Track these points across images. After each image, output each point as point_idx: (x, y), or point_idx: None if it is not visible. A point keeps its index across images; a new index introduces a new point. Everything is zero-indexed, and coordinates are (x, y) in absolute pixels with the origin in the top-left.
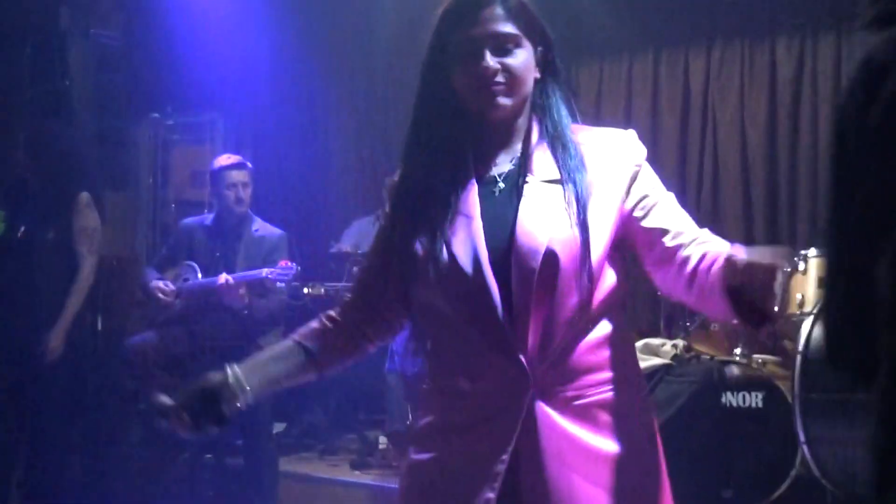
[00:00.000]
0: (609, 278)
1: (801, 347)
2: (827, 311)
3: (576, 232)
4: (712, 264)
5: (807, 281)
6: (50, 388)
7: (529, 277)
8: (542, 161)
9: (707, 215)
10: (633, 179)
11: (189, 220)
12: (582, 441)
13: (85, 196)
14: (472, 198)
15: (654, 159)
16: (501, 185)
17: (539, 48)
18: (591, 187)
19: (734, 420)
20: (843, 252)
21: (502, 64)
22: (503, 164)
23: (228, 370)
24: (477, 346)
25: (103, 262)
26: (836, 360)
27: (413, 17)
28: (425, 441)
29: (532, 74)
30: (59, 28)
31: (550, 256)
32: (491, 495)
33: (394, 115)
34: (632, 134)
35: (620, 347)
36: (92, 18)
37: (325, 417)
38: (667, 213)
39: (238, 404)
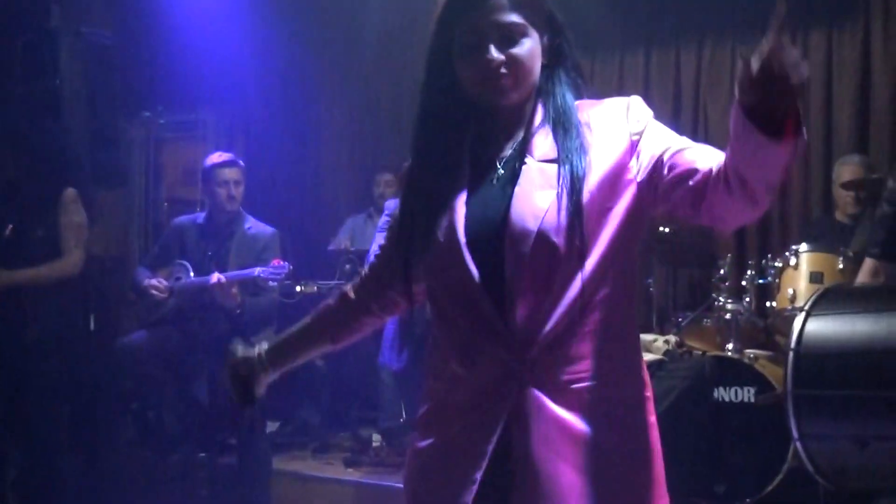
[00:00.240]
0: (613, 262)
1: (793, 343)
2: None
3: (569, 213)
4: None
5: (799, 276)
6: (41, 388)
7: (521, 261)
8: (542, 143)
9: None
10: (636, 146)
11: (181, 219)
12: (573, 429)
13: (71, 192)
14: (462, 184)
15: None
16: (501, 170)
17: (545, 36)
18: (591, 165)
19: (726, 415)
20: None
21: (507, 55)
22: (505, 149)
23: (257, 352)
24: (468, 332)
25: (95, 261)
26: None
27: (404, 14)
28: (424, 427)
29: (538, 62)
30: (50, 26)
31: (542, 239)
32: (477, 475)
33: (385, 111)
34: (633, 100)
35: (621, 339)
36: (83, 17)
37: (319, 415)
38: (685, 158)
39: (264, 385)
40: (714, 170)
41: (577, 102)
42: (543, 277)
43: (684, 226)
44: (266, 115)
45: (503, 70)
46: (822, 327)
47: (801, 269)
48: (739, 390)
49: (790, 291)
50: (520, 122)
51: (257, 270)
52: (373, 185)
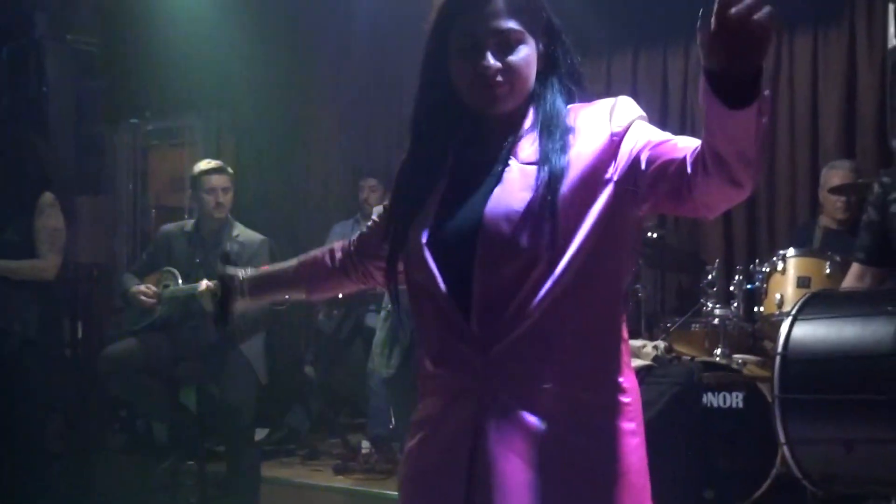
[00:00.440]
0: (590, 265)
1: (780, 348)
2: None
3: (545, 214)
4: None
5: (786, 281)
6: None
7: (491, 264)
8: (528, 146)
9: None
10: (617, 146)
11: (169, 226)
12: (536, 431)
13: (48, 197)
14: (441, 185)
15: None
16: (485, 173)
17: (542, 42)
18: (570, 165)
19: (715, 420)
20: None
21: (504, 63)
22: (493, 151)
23: (239, 276)
24: (437, 331)
25: (82, 269)
26: None
27: (393, 20)
28: (414, 428)
29: (534, 70)
30: (36, 34)
31: (514, 241)
32: (449, 481)
33: (374, 117)
34: (620, 100)
35: (596, 343)
36: (69, 24)
37: (308, 422)
38: (667, 148)
39: (236, 308)
40: (691, 155)
41: (569, 106)
42: (513, 280)
43: (672, 230)
44: (254, 121)
45: (499, 78)
46: (808, 332)
47: (788, 275)
48: (728, 396)
49: (778, 296)
50: (510, 126)
51: None
52: (360, 191)
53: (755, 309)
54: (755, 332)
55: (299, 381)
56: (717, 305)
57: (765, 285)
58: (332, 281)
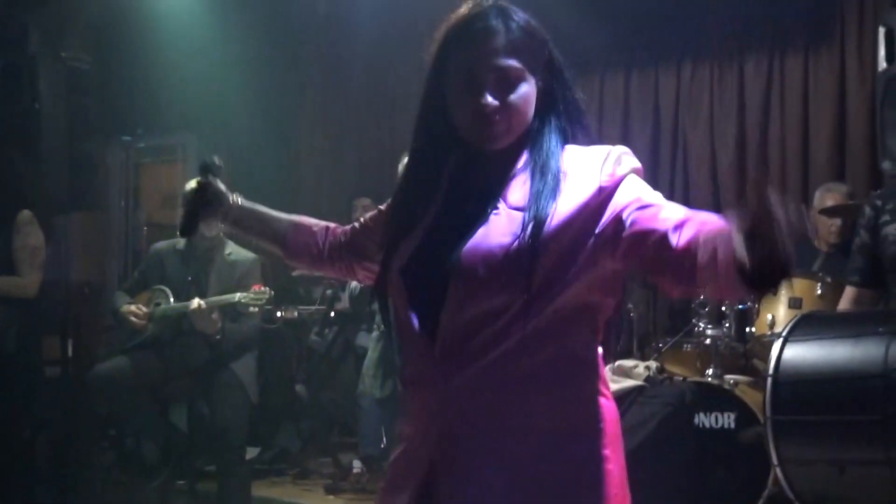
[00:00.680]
0: (566, 310)
1: (771, 370)
2: None
3: (524, 263)
4: (711, 251)
5: (778, 301)
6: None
7: (460, 304)
8: (519, 189)
9: None
10: (604, 199)
11: (161, 244)
12: (503, 464)
13: (26, 214)
14: (430, 212)
15: None
16: (472, 206)
17: (541, 80)
18: (556, 213)
19: (707, 441)
20: None
21: (502, 100)
22: (485, 186)
23: (231, 199)
24: (409, 352)
25: (73, 287)
26: None
27: (388, 40)
28: (399, 441)
29: (532, 108)
30: (29, 51)
31: (489, 286)
32: (405, 498)
33: (368, 134)
34: (614, 151)
35: (574, 375)
36: (62, 41)
37: (299, 442)
38: (650, 215)
39: (215, 219)
40: (673, 235)
41: (565, 146)
42: (480, 319)
43: None
44: (247, 139)
45: (497, 116)
46: (799, 353)
47: (780, 295)
48: (720, 416)
49: (769, 317)
50: (504, 162)
51: (238, 296)
52: (353, 210)
53: (747, 329)
54: (747, 352)
55: (290, 400)
56: (709, 326)
57: (757, 306)
58: (315, 260)
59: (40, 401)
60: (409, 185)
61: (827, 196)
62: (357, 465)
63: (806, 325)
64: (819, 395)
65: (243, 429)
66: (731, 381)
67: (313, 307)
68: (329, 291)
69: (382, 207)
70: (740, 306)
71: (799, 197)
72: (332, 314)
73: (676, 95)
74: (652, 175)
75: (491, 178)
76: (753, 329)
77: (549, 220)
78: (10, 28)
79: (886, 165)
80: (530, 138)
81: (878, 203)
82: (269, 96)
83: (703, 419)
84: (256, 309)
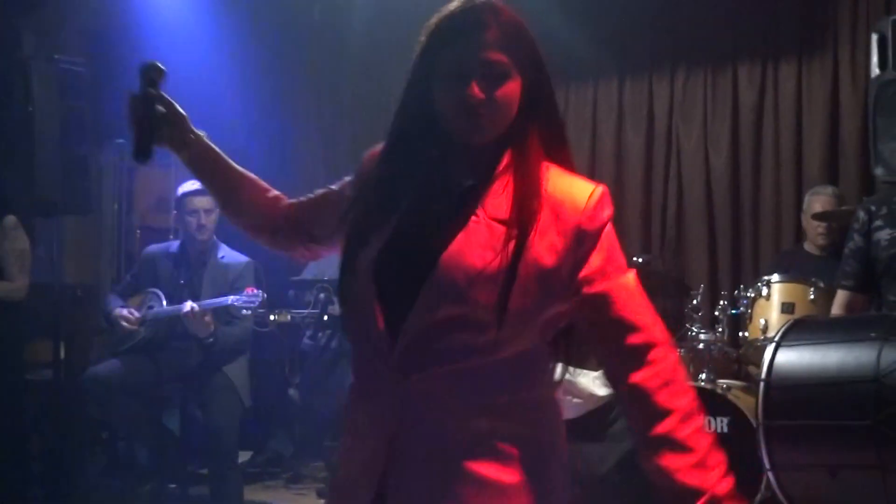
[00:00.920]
0: (528, 327)
1: (763, 374)
2: None
3: (501, 281)
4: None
5: (770, 306)
6: None
7: (431, 306)
8: (499, 197)
9: (671, 241)
10: (578, 246)
11: (154, 247)
12: (454, 466)
13: (12, 219)
14: (400, 206)
15: (618, 184)
16: (448, 207)
17: (527, 79)
18: (536, 240)
19: None
20: None
21: (488, 94)
22: (461, 186)
23: (195, 133)
24: (363, 347)
25: (66, 290)
26: None
27: (385, 37)
28: (344, 434)
29: (516, 105)
30: (23, 54)
31: (463, 299)
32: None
33: (363, 136)
34: (597, 193)
35: (527, 381)
36: (56, 44)
37: (291, 446)
38: (625, 302)
39: (173, 145)
40: (626, 362)
41: (544, 164)
42: (447, 327)
43: (658, 255)
44: (242, 141)
45: (482, 109)
46: (792, 358)
47: (772, 300)
48: (712, 420)
49: (762, 321)
50: (482, 162)
51: (231, 299)
52: None
53: (740, 334)
54: (740, 357)
55: (283, 403)
56: (702, 330)
57: (749, 310)
58: (261, 226)
59: (32, 404)
60: (382, 176)
61: (815, 199)
62: None
63: (798, 330)
64: (811, 399)
65: (236, 432)
66: (724, 386)
67: (306, 311)
68: (322, 295)
69: (335, 188)
70: (733, 311)
71: (792, 203)
72: (326, 318)
73: (670, 102)
74: (646, 181)
75: (469, 177)
76: (746, 334)
77: (529, 243)
78: (3, 30)
79: (879, 171)
80: (511, 138)
81: (872, 208)
82: (264, 100)
83: None
84: (249, 312)
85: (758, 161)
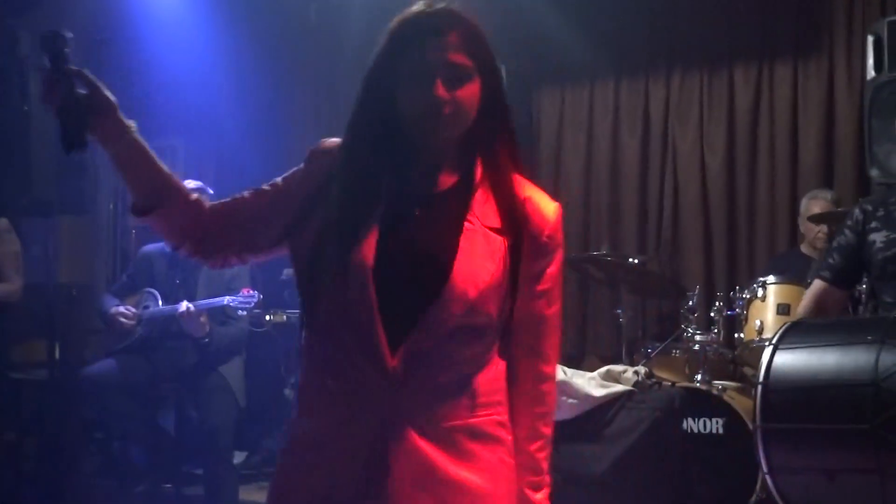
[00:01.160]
0: (507, 330)
1: (761, 377)
2: None
3: (504, 292)
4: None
5: (766, 307)
6: None
7: (444, 318)
8: (485, 206)
9: (667, 243)
10: (544, 263)
11: (149, 247)
12: (438, 464)
13: (4, 222)
14: (377, 212)
15: (614, 185)
16: (425, 208)
17: (485, 85)
18: (524, 247)
19: (695, 446)
20: None
21: (452, 95)
22: (428, 186)
23: (125, 123)
24: (347, 351)
25: (61, 289)
26: None
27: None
28: (295, 445)
29: (476, 107)
30: (19, 53)
31: (474, 308)
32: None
33: None
34: (559, 210)
35: (498, 385)
36: None
37: None
38: (545, 332)
39: (99, 138)
40: (515, 356)
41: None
42: (454, 336)
43: (653, 257)
44: (238, 142)
45: (447, 109)
46: (790, 360)
47: (768, 301)
48: (708, 422)
49: (758, 323)
50: (446, 165)
51: (226, 299)
52: None
53: (735, 335)
54: (735, 358)
55: (279, 404)
56: (698, 331)
57: (745, 312)
58: (183, 234)
59: (27, 404)
60: (348, 175)
61: (813, 203)
62: None
63: (796, 333)
64: (809, 402)
65: (231, 432)
66: (720, 387)
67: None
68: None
69: (267, 187)
70: (728, 312)
71: (788, 204)
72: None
73: (666, 103)
74: (641, 182)
75: (438, 181)
76: (742, 335)
77: (518, 251)
78: None
79: (874, 173)
80: (474, 143)
81: (869, 208)
82: (260, 100)
83: (692, 424)
84: (245, 312)
85: (753, 162)
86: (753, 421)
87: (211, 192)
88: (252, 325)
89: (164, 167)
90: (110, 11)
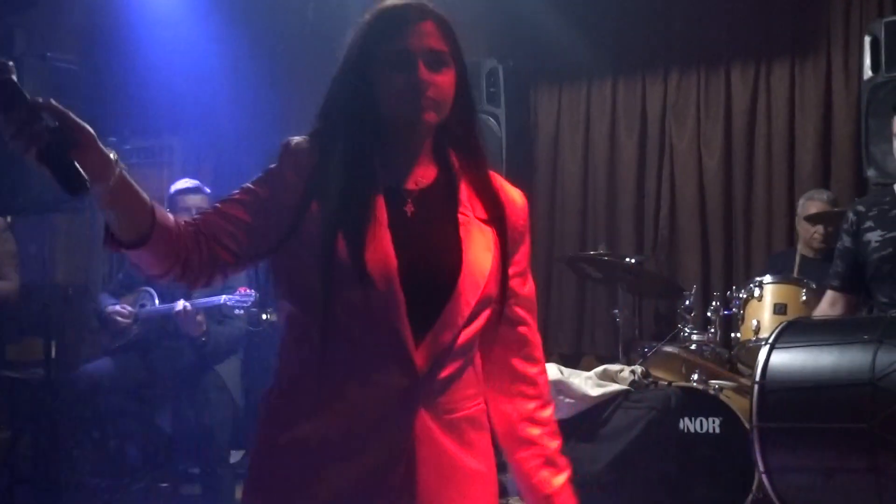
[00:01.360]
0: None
1: (757, 376)
2: None
3: (502, 279)
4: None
5: (763, 307)
6: None
7: (459, 309)
8: (470, 197)
9: (664, 242)
10: (519, 248)
11: None
12: (453, 454)
13: (0, 221)
14: (381, 207)
15: (611, 185)
16: (416, 202)
17: (459, 75)
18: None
19: (692, 446)
20: None
21: (434, 79)
22: (412, 181)
23: (109, 155)
24: (365, 352)
25: (58, 288)
26: None
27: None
28: (293, 453)
29: (453, 93)
30: (16, 52)
31: (484, 297)
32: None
33: None
34: (524, 198)
35: (477, 367)
36: (48, 42)
37: None
38: (528, 308)
39: (90, 186)
40: (518, 386)
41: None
42: (465, 325)
43: (650, 256)
44: (235, 140)
45: (429, 93)
46: (786, 360)
47: (765, 301)
48: (704, 421)
49: (754, 322)
50: (424, 155)
51: (223, 298)
52: None
53: (732, 335)
54: (732, 357)
55: None
56: (695, 331)
57: (742, 311)
58: (171, 262)
59: (22, 403)
60: (345, 177)
61: (810, 204)
62: None
63: (792, 332)
64: (806, 402)
65: (228, 431)
66: (716, 386)
67: None
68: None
69: (247, 196)
70: (725, 312)
71: (785, 204)
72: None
73: (663, 103)
74: (638, 182)
75: (422, 174)
76: (738, 334)
77: (504, 239)
78: None
79: (871, 173)
80: (450, 136)
81: (862, 209)
82: (257, 100)
83: (689, 424)
84: (242, 311)
85: (750, 162)
86: (750, 420)
87: (208, 191)
88: (249, 324)
89: (148, 197)
90: (105, 8)
